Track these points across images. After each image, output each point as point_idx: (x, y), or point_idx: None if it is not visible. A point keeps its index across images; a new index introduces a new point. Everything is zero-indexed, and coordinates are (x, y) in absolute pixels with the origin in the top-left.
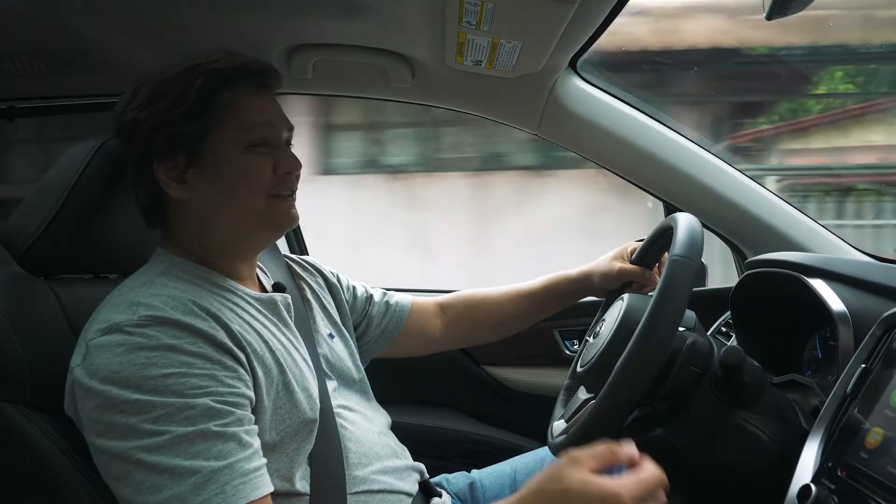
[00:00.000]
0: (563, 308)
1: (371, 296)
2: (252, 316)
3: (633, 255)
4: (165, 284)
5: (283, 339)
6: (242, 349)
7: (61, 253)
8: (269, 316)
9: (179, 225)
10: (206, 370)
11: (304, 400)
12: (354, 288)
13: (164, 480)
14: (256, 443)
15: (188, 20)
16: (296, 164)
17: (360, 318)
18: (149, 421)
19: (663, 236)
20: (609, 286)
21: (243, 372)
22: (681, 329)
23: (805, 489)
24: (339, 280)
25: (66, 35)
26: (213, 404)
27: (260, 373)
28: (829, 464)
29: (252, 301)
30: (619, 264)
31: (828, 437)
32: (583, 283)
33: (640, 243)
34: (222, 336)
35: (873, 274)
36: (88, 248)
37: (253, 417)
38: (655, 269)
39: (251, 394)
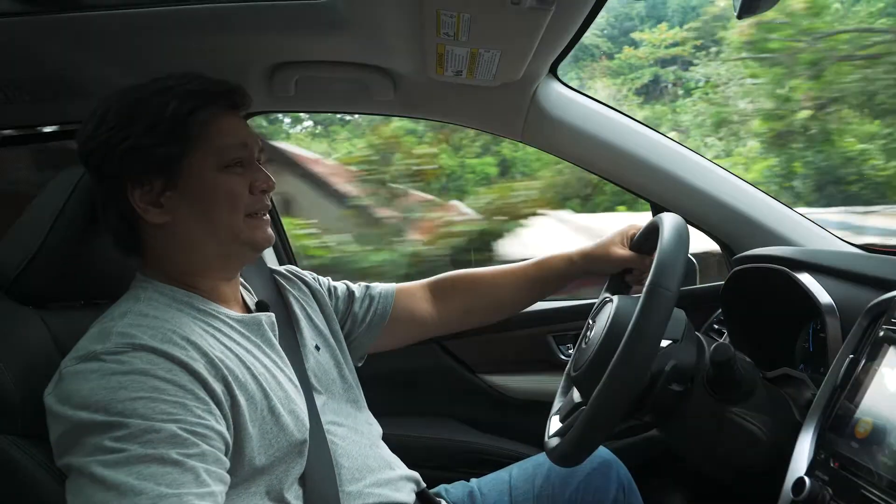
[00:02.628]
0: (557, 289)
1: (353, 292)
2: (234, 340)
3: (632, 242)
4: (145, 314)
5: (266, 361)
6: (221, 378)
7: (49, 281)
8: (252, 338)
9: (157, 249)
10: (178, 398)
11: (291, 422)
12: (336, 288)
13: (109, 496)
14: (216, 487)
15: (168, 43)
16: (270, 182)
17: (345, 316)
18: (111, 439)
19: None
20: (607, 270)
21: (215, 407)
22: (667, 342)
23: (799, 482)
24: (320, 284)
25: (44, 62)
26: (178, 431)
27: (242, 400)
28: (822, 455)
29: (234, 324)
30: (619, 251)
31: (820, 429)
32: (577, 265)
33: (638, 229)
34: (200, 366)
35: (859, 265)
36: (77, 276)
37: (221, 457)
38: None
39: (222, 429)
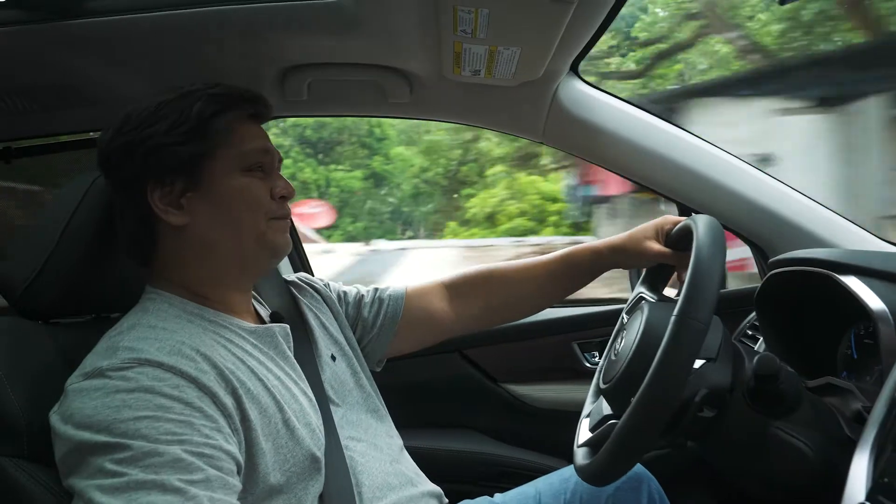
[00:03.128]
0: (583, 284)
1: (362, 296)
2: (246, 352)
3: (668, 237)
4: (153, 326)
5: (280, 374)
6: (232, 391)
7: (59, 295)
8: (266, 349)
9: (172, 255)
10: (184, 416)
11: (307, 435)
12: (346, 293)
13: None
14: None
15: (181, 49)
16: (290, 189)
17: (356, 321)
18: (113, 462)
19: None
20: (642, 265)
21: (225, 423)
22: (701, 361)
23: None
24: (331, 290)
25: (55, 70)
26: (182, 455)
27: (255, 414)
28: (885, 479)
29: (247, 335)
30: (654, 245)
31: (879, 448)
32: (607, 258)
33: (680, 220)
34: (209, 378)
35: None
36: (86, 289)
37: (229, 481)
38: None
39: (231, 448)
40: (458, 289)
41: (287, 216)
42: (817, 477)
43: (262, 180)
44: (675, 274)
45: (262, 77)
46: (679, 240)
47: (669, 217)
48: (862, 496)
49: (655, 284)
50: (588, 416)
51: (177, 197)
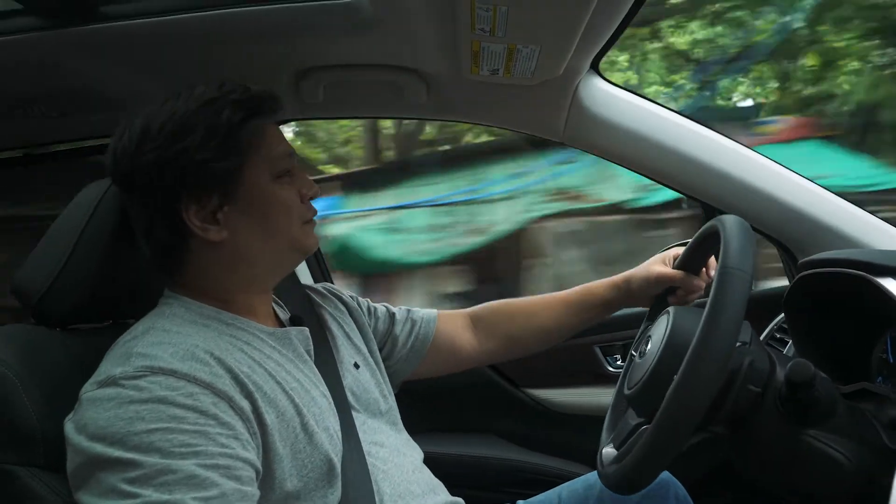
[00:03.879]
0: (602, 318)
1: (393, 314)
2: (264, 354)
3: (677, 261)
4: (167, 330)
5: (299, 375)
6: (248, 395)
7: (75, 302)
8: (284, 352)
9: (203, 266)
10: (198, 426)
11: (325, 440)
12: (375, 309)
13: None
14: None
15: (197, 52)
16: (316, 188)
17: (385, 338)
18: (126, 481)
19: (708, 240)
20: (650, 292)
21: (242, 428)
22: (738, 344)
23: None
24: (358, 304)
25: (71, 76)
26: (197, 470)
27: (272, 418)
28: None
29: (265, 337)
30: (659, 268)
31: None
32: (622, 289)
33: (683, 248)
34: (224, 382)
35: None
36: (103, 295)
37: (247, 491)
38: (703, 273)
39: (249, 455)
40: (481, 320)
41: (315, 215)
42: (854, 487)
43: (290, 185)
44: (677, 295)
45: (278, 79)
46: (688, 259)
47: (672, 248)
48: None
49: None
50: (612, 440)
51: (212, 212)
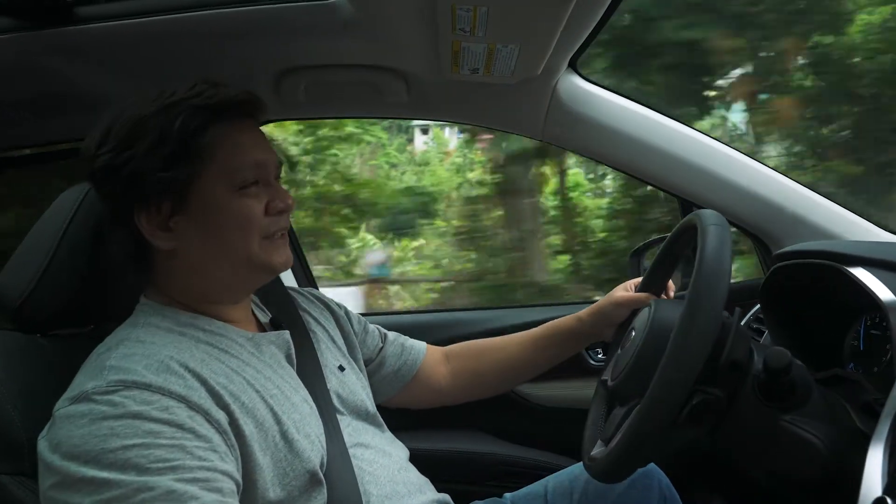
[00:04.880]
0: (571, 351)
1: (385, 334)
2: (242, 361)
3: (639, 285)
4: (141, 341)
5: (279, 382)
6: (224, 407)
7: (56, 307)
8: (264, 357)
9: (165, 274)
10: (175, 440)
11: (307, 447)
12: (366, 324)
13: None
14: None
15: (176, 53)
16: (289, 201)
17: (374, 355)
18: (102, 502)
19: (686, 234)
20: (616, 318)
21: (219, 440)
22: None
23: (879, 502)
24: (346, 314)
25: (47, 77)
26: (175, 486)
27: (250, 428)
28: None
29: (244, 343)
30: (621, 293)
31: (893, 441)
32: (586, 321)
33: (639, 280)
34: (199, 395)
35: None
36: (85, 299)
37: (230, 502)
38: (670, 285)
39: (227, 467)
40: (456, 359)
41: (284, 230)
42: (828, 469)
43: (255, 197)
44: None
45: (259, 80)
46: (650, 281)
47: (629, 281)
48: (878, 491)
49: (662, 284)
50: (595, 418)
51: (164, 219)
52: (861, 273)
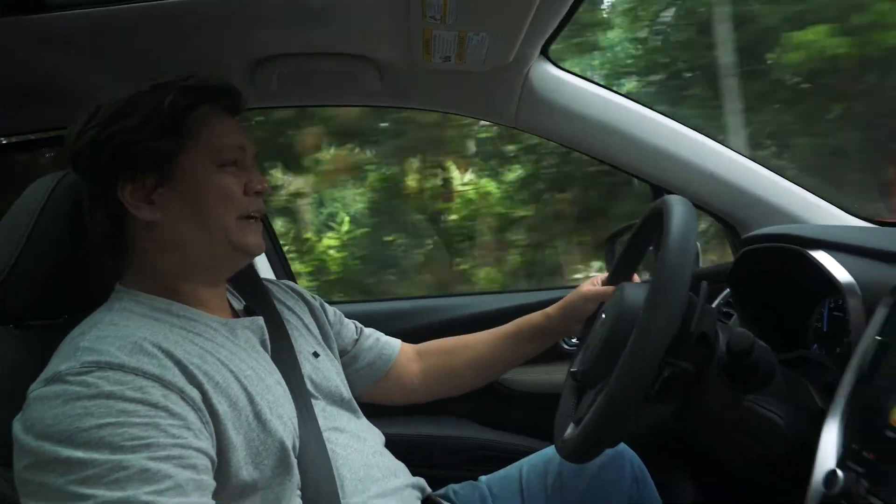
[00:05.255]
0: (540, 347)
1: (361, 329)
2: (217, 343)
3: (605, 279)
4: (115, 324)
5: (254, 364)
6: (198, 385)
7: (29, 297)
8: (239, 342)
9: (143, 251)
10: (148, 418)
11: (279, 427)
12: (341, 316)
13: None
14: None
15: (150, 42)
16: (265, 184)
17: (349, 347)
18: (76, 482)
19: (653, 219)
20: (583, 312)
21: (194, 417)
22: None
23: (831, 475)
24: (322, 305)
25: (25, 67)
26: (148, 464)
27: (223, 407)
28: (854, 446)
29: (218, 327)
30: (588, 287)
31: (848, 417)
32: (554, 317)
33: (605, 275)
34: (173, 374)
35: (878, 240)
36: (58, 290)
37: (203, 480)
38: (635, 278)
39: (202, 444)
40: (427, 357)
41: (259, 213)
42: (790, 446)
43: (235, 175)
44: None
45: (232, 69)
46: (616, 275)
47: (596, 276)
48: (832, 463)
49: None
50: (567, 400)
51: (148, 192)
52: (822, 256)
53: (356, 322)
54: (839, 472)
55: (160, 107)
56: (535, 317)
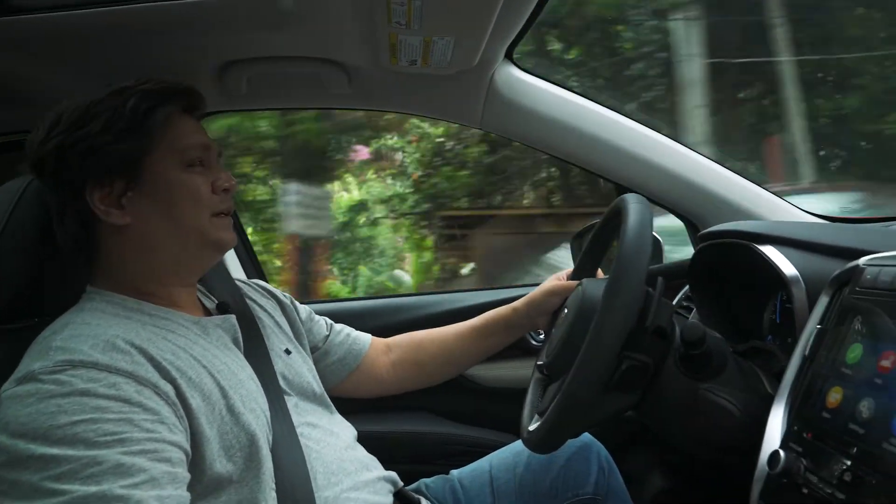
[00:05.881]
0: (507, 341)
1: (332, 325)
2: (189, 340)
3: (570, 274)
4: (87, 323)
5: (226, 359)
6: (171, 380)
7: None
8: (210, 339)
9: (114, 255)
10: (122, 414)
11: (252, 421)
12: (311, 312)
13: None
14: None
15: (117, 46)
16: (233, 181)
17: (320, 343)
18: (51, 479)
19: (615, 218)
20: (548, 306)
21: (169, 412)
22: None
23: (774, 455)
24: (293, 303)
25: None
26: (123, 458)
27: (197, 401)
28: (795, 427)
29: (190, 325)
30: (553, 282)
31: (792, 401)
32: (520, 311)
33: (570, 270)
34: (146, 370)
35: (822, 235)
36: (29, 292)
37: (177, 473)
38: (599, 273)
39: (176, 438)
40: (397, 349)
41: (230, 210)
42: (743, 432)
43: (202, 175)
44: None
45: (201, 72)
46: (580, 270)
47: (562, 271)
48: (777, 445)
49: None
50: (533, 395)
51: (117, 197)
52: (769, 250)
53: (327, 319)
54: (781, 453)
55: (122, 110)
56: (502, 311)
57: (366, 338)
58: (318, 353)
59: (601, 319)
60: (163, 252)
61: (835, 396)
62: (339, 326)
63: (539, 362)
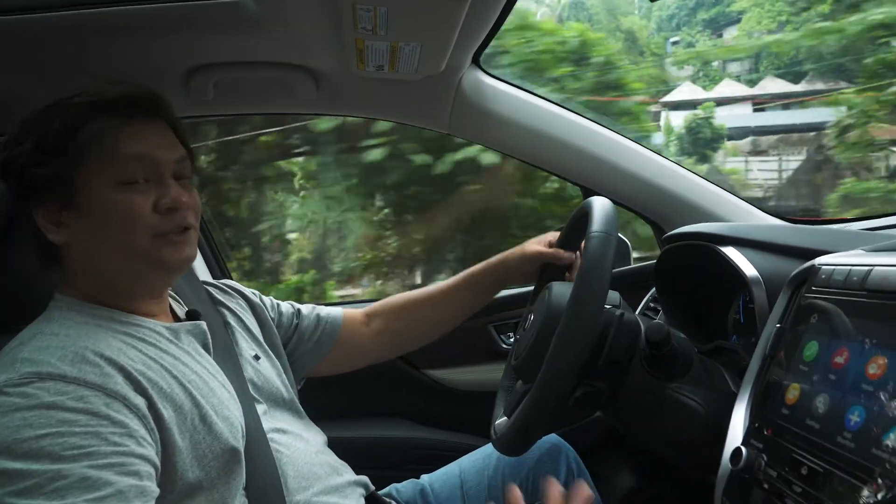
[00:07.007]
0: (487, 299)
1: (299, 310)
2: (161, 349)
3: (555, 241)
4: (56, 334)
5: (198, 368)
6: (142, 392)
7: None
8: (182, 346)
9: (70, 268)
10: (90, 427)
11: (225, 429)
12: (279, 305)
13: None
14: None
15: (82, 50)
16: (181, 200)
17: (290, 333)
18: (14, 494)
19: (581, 220)
20: (525, 269)
21: (138, 425)
22: (608, 307)
23: (736, 452)
24: (261, 300)
25: None
26: (89, 472)
27: (168, 412)
28: (756, 424)
29: (162, 332)
30: (533, 246)
31: (753, 399)
32: (500, 268)
33: (555, 235)
34: (116, 382)
35: (781, 237)
36: None
37: (145, 487)
38: (578, 255)
39: (145, 451)
40: (376, 317)
41: (178, 229)
42: (709, 429)
43: (142, 193)
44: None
45: (167, 77)
46: (565, 239)
47: (551, 232)
48: (739, 441)
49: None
50: (503, 398)
51: (55, 215)
52: (731, 252)
53: (294, 304)
54: (743, 449)
55: (49, 129)
56: (479, 270)
57: (336, 313)
58: (292, 342)
59: (556, 351)
60: (109, 272)
61: (793, 393)
62: (306, 309)
63: (509, 360)
